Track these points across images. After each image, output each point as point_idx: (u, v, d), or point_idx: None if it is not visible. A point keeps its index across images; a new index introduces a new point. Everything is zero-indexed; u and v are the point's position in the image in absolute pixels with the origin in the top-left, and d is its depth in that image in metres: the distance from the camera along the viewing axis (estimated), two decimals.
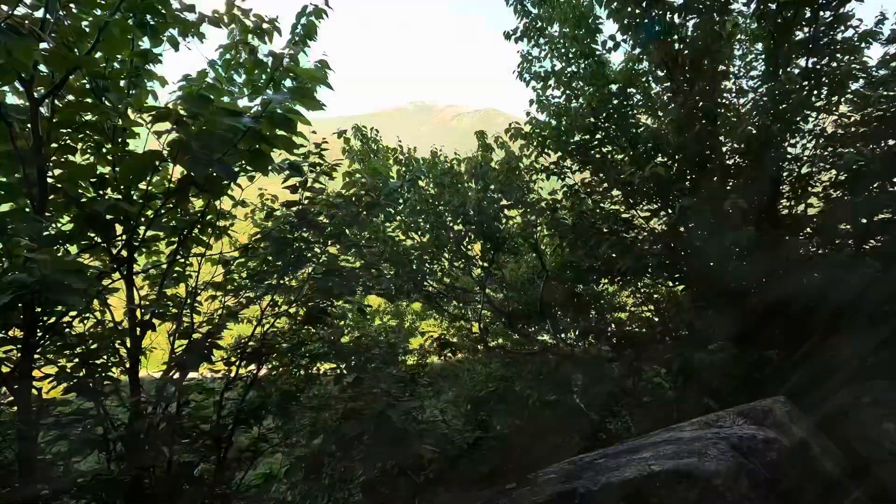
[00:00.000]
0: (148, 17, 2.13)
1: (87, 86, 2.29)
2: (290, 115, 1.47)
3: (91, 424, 3.01)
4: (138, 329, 3.07)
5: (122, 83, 2.60)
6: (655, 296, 6.19)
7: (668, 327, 6.30)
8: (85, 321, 3.20)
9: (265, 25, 3.17)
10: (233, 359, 3.15)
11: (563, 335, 7.13)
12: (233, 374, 3.74)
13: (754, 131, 4.10)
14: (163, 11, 2.17)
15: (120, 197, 2.12)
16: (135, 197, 2.21)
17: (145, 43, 2.69)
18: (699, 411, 6.39)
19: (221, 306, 3.37)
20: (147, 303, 3.12)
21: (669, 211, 4.46)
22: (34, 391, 2.65)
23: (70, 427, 2.91)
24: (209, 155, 1.29)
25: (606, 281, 5.82)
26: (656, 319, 6.25)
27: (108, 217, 1.83)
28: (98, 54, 1.95)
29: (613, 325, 6.71)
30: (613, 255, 4.54)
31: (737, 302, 4.21)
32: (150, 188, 2.19)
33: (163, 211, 2.21)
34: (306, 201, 3.26)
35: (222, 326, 3.23)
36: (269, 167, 2.69)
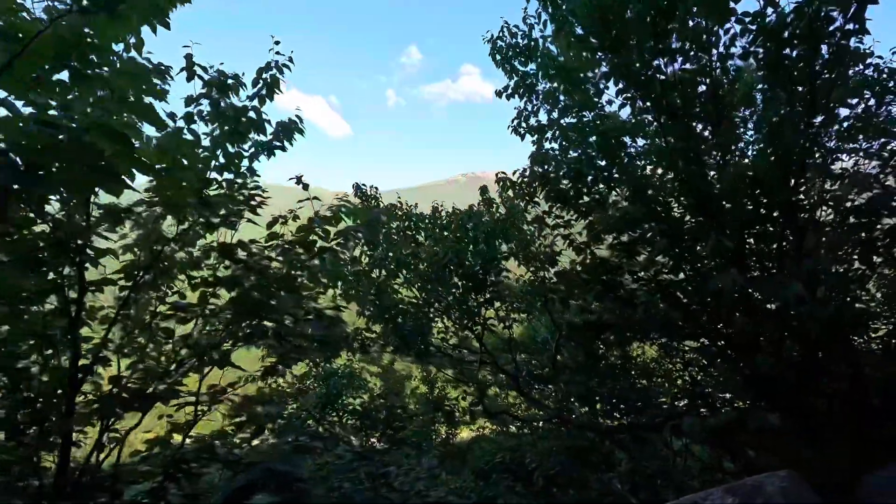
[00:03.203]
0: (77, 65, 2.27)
1: None
2: (124, 130, 1.44)
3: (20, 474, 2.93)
4: (80, 374, 3.04)
5: None
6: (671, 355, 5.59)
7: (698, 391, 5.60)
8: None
9: (230, 81, 3.36)
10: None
11: (580, 404, 6.50)
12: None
13: (748, 170, 3.77)
14: (95, 59, 2.31)
15: None
16: None
17: None
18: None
19: (172, 353, 3.32)
20: (92, 346, 3.12)
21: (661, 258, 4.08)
22: None
23: None
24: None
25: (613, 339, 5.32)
26: (678, 383, 5.59)
27: None
28: None
29: (634, 391, 6.06)
30: (604, 308, 4.16)
31: (745, 358, 3.66)
32: None
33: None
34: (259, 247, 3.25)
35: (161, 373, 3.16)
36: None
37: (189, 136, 3.22)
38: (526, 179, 5.06)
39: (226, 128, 3.34)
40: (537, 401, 6.50)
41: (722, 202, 4.37)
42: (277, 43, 3.45)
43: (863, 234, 3.42)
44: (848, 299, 4.43)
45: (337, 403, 6.27)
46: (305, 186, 3.44)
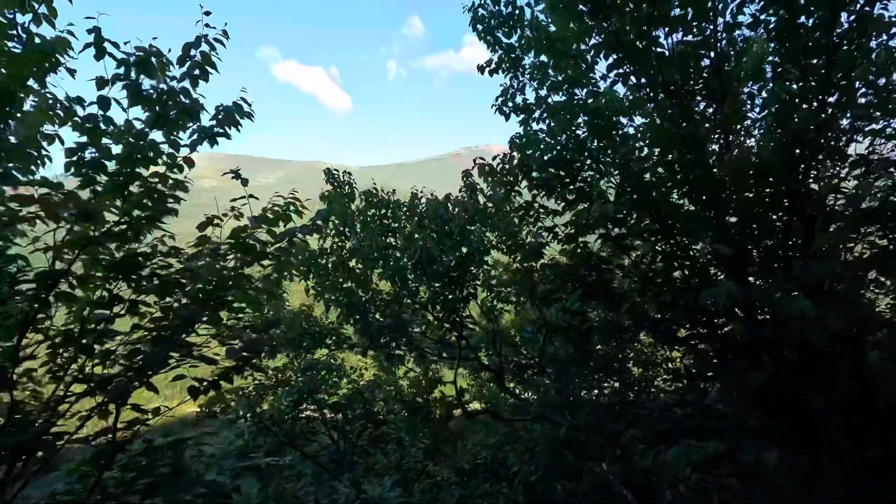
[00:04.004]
0: None
1: None
2: None
3: None
4: None
5: None
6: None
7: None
8: None
9: (152, 60, 2.89)
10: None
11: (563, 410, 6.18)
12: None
13: (753, 154, 3.31)
14: None
15: None
16: None
17: None
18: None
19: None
20: None
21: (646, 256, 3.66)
22: None
23: None
24: None
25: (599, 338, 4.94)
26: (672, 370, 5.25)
27: None
28: None
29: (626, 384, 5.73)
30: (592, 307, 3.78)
31: (743, 362, 3.29)
32: None
33: None
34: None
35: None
36: None
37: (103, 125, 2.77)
38: (507, 166, 4.59)
39: (156, 110, 2.89)
40: (521, 397, 6.19)
41: (722, 190, 3.93)
42: (207, 14, 2.96)
43: (882, 238, 2.99)
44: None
45: (312, 399, 5.97)
46: (245, 182, 3.01)
